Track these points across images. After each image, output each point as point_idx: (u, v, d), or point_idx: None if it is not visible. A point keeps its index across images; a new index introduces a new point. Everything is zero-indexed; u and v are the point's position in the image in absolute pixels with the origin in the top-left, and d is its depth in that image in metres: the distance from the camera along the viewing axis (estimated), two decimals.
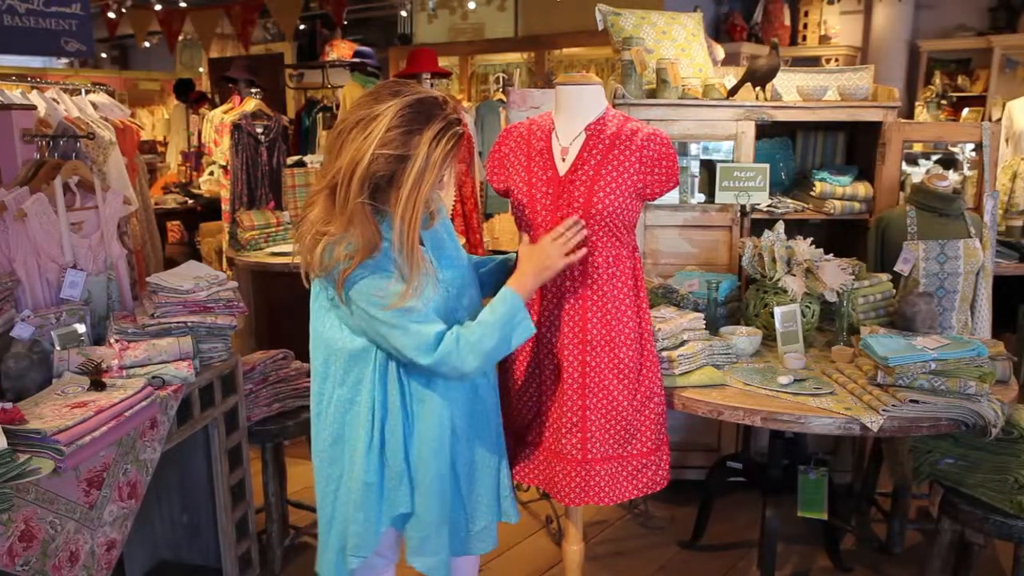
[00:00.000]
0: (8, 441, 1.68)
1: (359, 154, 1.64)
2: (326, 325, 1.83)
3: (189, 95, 7.88)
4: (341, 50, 6.11)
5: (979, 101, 7.18)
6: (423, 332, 1.72)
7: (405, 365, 1.80)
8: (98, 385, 2.02)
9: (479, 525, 1.97)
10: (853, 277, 2.69)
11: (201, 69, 10.30)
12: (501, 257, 2.17)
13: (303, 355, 3.07)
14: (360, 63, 5.90)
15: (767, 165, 3.04)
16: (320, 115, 6.21)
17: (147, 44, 8.95)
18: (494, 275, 2.11)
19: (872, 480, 3.10)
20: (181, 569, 2.76)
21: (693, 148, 3.80)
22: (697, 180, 3.72)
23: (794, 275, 2.61)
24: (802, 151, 3.77)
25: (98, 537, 1.92)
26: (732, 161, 3.27)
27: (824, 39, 7.84)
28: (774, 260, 2.65)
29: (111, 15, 8.18)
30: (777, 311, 2.52)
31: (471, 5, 7.53)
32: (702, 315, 2.51)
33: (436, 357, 1.73)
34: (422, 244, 1.79)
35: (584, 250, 1.96)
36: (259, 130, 4.77)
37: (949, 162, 4.93)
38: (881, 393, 2.13)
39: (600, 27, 3.53)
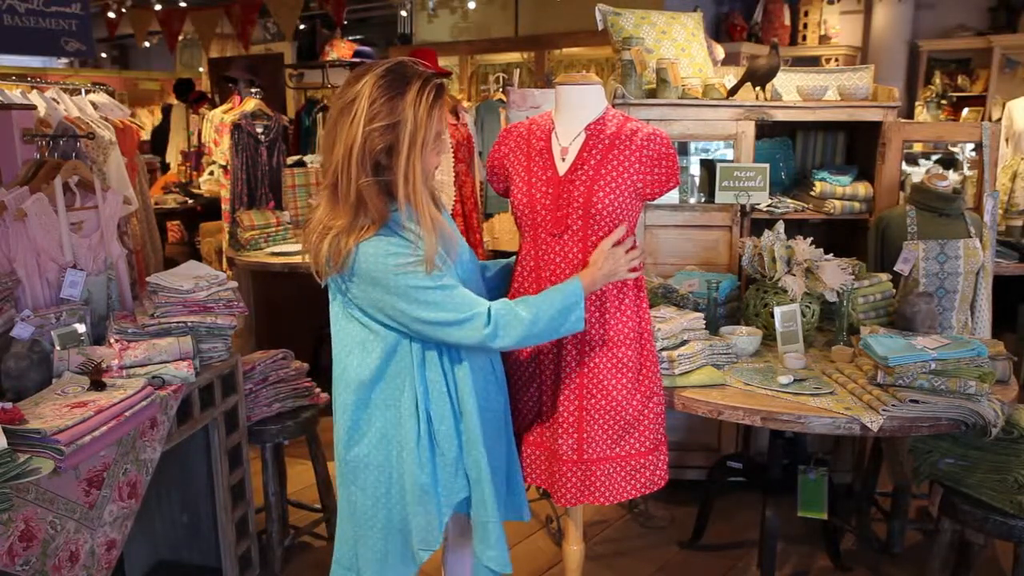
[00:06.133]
0: (8, 441, 1.68)
1: (350, 137, 1.65)
2: (350, 329, 1.80)
3: (189, 95, 7.89)
4: (341, 50, 6.11)
5: (979, 101, 7.19)
6: (467, 304, 1.71)
7: (440, 348, 1.79)
8: (98, 385, 2.02)
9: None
10: (853, 277, 2.69)
11: (201, 69, 10.31)
12: (503, 263, 2.19)
13: (303, 355, 3.10)
14: (360, 63, 5.90)
15: (767, 165, 3.04)
16: (320, 115, 6.22)
17: (147, 44, 8.95)
18: (496, 281, 2.15)
19: (872, 480, 3.10)
20: (181, 569, 2.76)
21: (693, 148, 3.80)
22: (697, 180, 3.72)
23: (794, 275, 2.61)
24: (802, 151, 3.77)
25: (98, 537, 1.92)
26: (732, 161, 3.27)
27: (824, 39, 7.84)
28: (774, 260, 2.65)
29: (111, 15, 8.18)
30: (777, 311, 2.52)
31: (471, 5, 7.54)
32: (702, 315, 2.51)
33: (490, 329, 1.71)
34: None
35: (638, 273, 2.01)
36: (259, 130, 4.77)
37: (949, 162, 4.94)
38: (881, 393, 2.13)
39: (600, 27, 3.52)
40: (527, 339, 1.79)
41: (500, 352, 1.99)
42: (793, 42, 7.91)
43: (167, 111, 8.18)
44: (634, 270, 1.99)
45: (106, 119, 4.06)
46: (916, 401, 2.08)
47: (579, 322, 1.85)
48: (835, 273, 2.58)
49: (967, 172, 4.61)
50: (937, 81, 7.33)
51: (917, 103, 7.37)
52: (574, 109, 2.06)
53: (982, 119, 6.53)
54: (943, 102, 7.24)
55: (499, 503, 1.90)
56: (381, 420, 1.81)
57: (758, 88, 3.29)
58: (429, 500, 1.81)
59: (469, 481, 1.86)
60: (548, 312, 1.79)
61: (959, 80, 7.39)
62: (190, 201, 6.37)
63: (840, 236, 3.57)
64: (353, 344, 1.81)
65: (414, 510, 1.82)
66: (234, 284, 2.54)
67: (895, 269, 2.95)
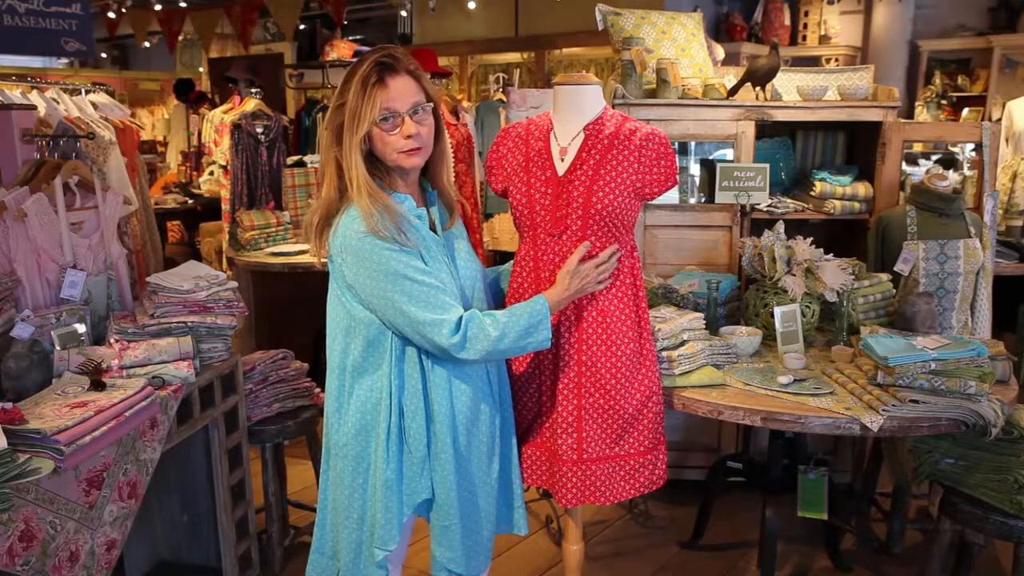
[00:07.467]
0: (8, 441, 1.68)
1: (325, 117, 1.81)
2: (338, 313, 1.82)
3: (189, 95, 7.89)
4: (341, 50, 6.11)
5: (979, 101, 7.19)
6: (443, 307, 1.73)
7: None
8: (98, 385, 2.02)
9: (485, 533, 1.95)
10: (853, 277, 2.69)
11: (201, 69, 10.31)
12: (501, 271, 2.19)
13: (303, 355, 3.10)
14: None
15: (767, 165, 3.04)
16: (320, 115, 6.21)
17: (147, 44, 8.97)
18: (496, 286, 2.16)
19: (872, 480, 3.10)
20: (181, 569, 2.76)
21: (693, 148, 3.80)
22: (697, 180, 3.72)
23: (794, 275, 2.61)
24: (802, 151, 3.77)
25: (98, 537, 1.92)
26: (732, 161, 3.27)
27: (824, 39, 7.84)
28: (774, 260, 2.65)
29: (111, 15, 8.19)
30: (777, 311, 2.52)
31: (471, 5, 7.53)
32: (702, 315, 2.50)
33: (457, 339, 1.72)
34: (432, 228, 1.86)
35: (607, 283, 2.00)
36: (259, 130, 4.77)
37: (949, 162, 4.94)
38: (881, 393, 2.13)
39: (600, 27, 3.53)
40: (492, 355, 1.79)
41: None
42: (793, 42, 7.91)
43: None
44: (606, 279, 1.98)
45: (106, 119, 4.06)
46: (916, 401, 2.08)
47: (546, 341, 1.85)
48: (835, 273, 2.58)
49: (967, 172, 4.60)
50: (937, 81, 7.33)
51: (917, 103, 7.37)
52: (573, 109, 2.06)
53: (982, 119, 6.52)
54: (943, 102, 7.24)
55: (464, 509, 1.87)
56: (359, 410, 1.81)
57: (758, 88, 3.29)
58: (391, 496, 1.80)
59: (433, 483, 1.84)
60: (515, 330, 1.79)
61: (959, 80, 7.39)
62: (190, 201, 6.37)
63: (840, 236, 3.56)
64: (338, 330, 1.83)
65: (376, 505, 1.82)
66: (234, 284, 2.54)
67: (895, 269, 2.95)
